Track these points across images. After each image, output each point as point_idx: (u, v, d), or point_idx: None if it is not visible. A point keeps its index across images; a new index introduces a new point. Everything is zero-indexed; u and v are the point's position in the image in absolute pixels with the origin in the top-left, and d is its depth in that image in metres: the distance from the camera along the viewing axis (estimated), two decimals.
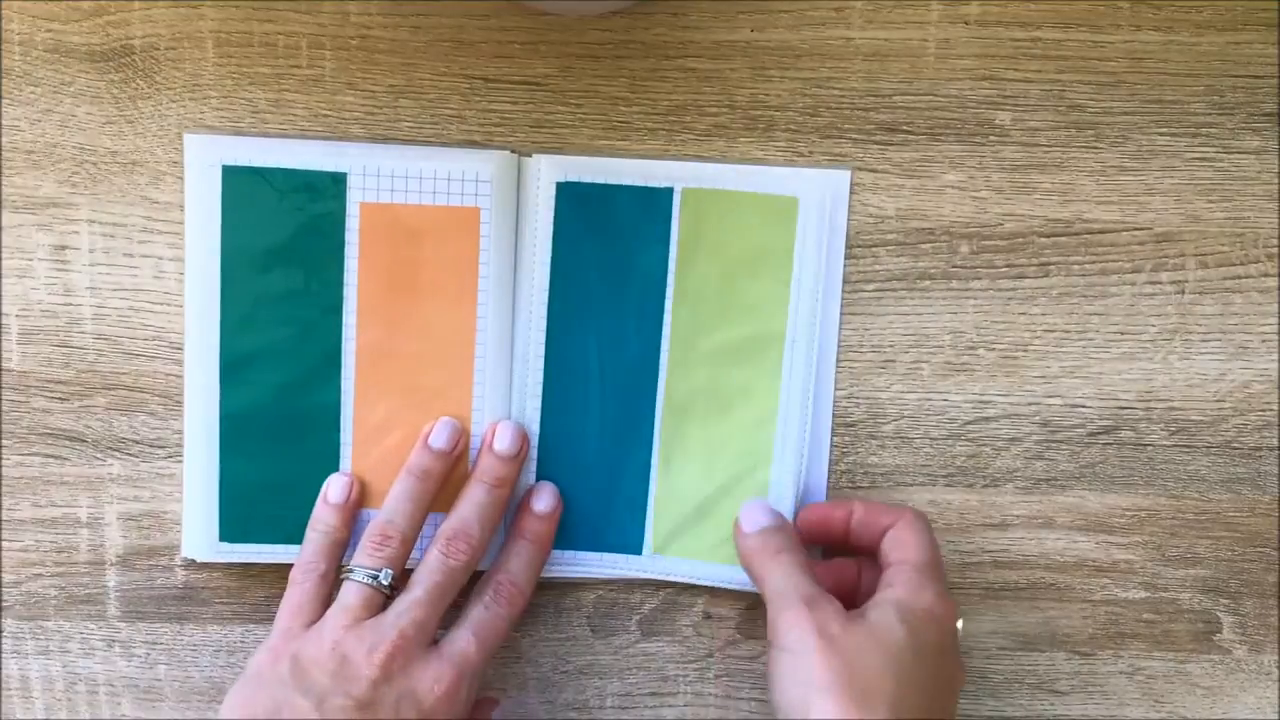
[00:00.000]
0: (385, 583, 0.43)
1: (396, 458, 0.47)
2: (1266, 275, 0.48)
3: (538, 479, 0.47)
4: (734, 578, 0.48)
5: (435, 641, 0.43)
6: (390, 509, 0.45)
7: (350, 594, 0.43)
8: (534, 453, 0.47)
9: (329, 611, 0.43)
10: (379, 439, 0.47)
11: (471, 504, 0.45)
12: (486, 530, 0.45)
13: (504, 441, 0.46)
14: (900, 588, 0.43)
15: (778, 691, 0.41)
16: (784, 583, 0.43)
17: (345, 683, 0.41)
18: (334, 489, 0.46)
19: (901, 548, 0.44)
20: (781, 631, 0.42)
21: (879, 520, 0.45)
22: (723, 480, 0.47)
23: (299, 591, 0.44)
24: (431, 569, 0.44)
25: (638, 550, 0.48)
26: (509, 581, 0.45)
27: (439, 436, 0.46)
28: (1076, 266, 0.48)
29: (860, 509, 0.46)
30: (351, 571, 0.44)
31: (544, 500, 0.47)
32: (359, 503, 0.47)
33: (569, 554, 0.48)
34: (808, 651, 0.40)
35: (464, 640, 0.43)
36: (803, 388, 0.47)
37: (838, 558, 0.47)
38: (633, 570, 0.48)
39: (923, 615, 0.42)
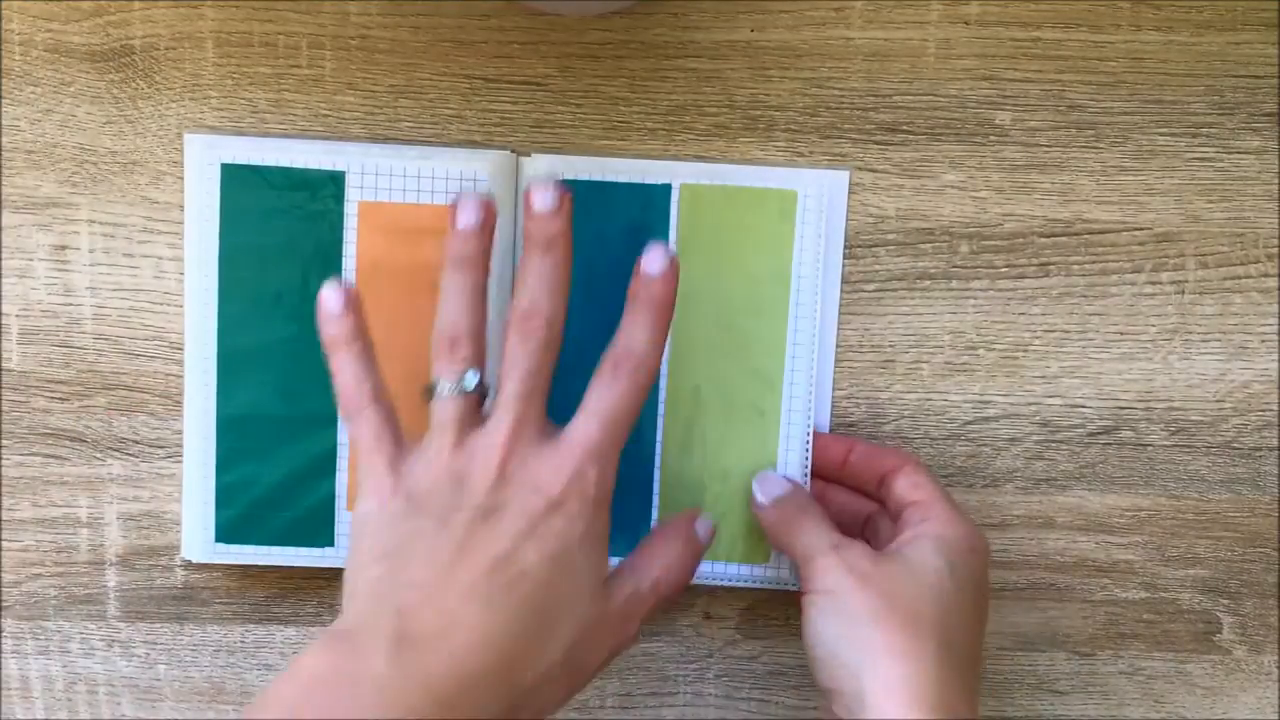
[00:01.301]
0: (472, 386, 0.40)
1: None
2: (1266, 275, 0.48)
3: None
4: (741, 575, 0.48)
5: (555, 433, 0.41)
6: (446, 312, 0.41)
7: (443, 412, 0.40)
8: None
9: (429, 436, 0.40)
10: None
11: (533, 275, 0.41)
12: (557, 298, 0.41)
13: (543, 200, 0.41)
14: (934, 523, 0.43)
15: (815, 632, 0.41)
16: (809, 538, 0.43)
17: (465, 495, 0.38)
18: (330, 304, 0.42)
19: (919, 487, 0.44)
20: (815, 578, 0.42)
21: (880, 461, 0.45)
22: (726, 479, 0.47)
23: (367, 423, 0.40)
24: (514, 360, 0.40)
25: None
26: (625, 353, 0.41)
27: (465, 215, 0.41)
28: (1076, 266, 0.48)
29: (860, 446, 0.46)
30: (435, 388, 0.40)
31: (657, 260, 0.41)
32: (358, 303, 0.42)
33: None
34: (845, 590, 0.40)
35: (583, 423, 0.40)
36: (804, 386, 0.47)
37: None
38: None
39: (962, 548, 0.42)
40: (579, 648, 0.39)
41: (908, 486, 0.44)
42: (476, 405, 0.41)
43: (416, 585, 0.37)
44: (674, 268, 0.41)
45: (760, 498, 0.46)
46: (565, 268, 0.41)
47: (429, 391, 0.41)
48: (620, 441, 0.40)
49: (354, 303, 0.42)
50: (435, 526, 0.38)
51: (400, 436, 0.41)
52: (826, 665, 0.40)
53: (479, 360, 0.41)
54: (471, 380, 0.40)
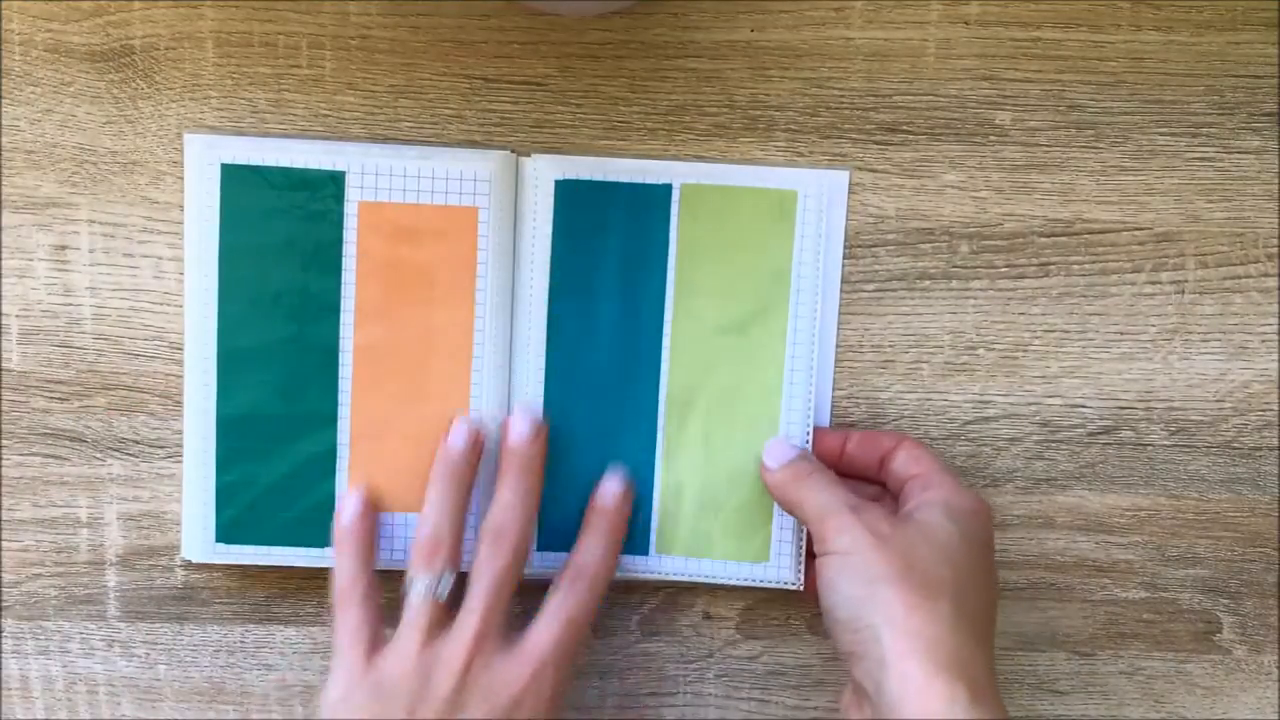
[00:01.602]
0: (445, 592, 0.44)
1: (394, 457, 0.47)
2: (1266, 275, 0.48)
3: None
4: (741, 575, 0.48)
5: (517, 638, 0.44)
6: (429, 518, 0.45)
7: (415, 613, 0.43)
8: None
9: (400, 632, 0.43)
10: (376, 439, 0.47)
11: (509, 494, 0.45)
12: (525, 520, 0.45)
13: (518, 432, 0.45)
14: (939, 489, 0.43)
15: (834, 592, 0.41)
16: (823, 497, 0.43)
17: (430, 692, 0.42)
18: (347, 512, 0.46)
19: (919, 461, 0.45)
20: (830, 538, 0.42)
21: (877, 443, 0.46)
22: (726, 478, 0.47)
23: (351, 617, 0.44)
24: (482, 571, 0.44)
25: (644, 551, 0.48)
26: (582, 567, 0.45)
27: (455, 439, 0.46)
28: (1076, 266, 0.48)
29: (855, 435, 0.47)
30: (412, 587, 0.44)
31: (612, 489, 0.47)
32: (373, 510, 0.47)
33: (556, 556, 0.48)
34: (862, 550, 0.41)
35: (542, 630, 0.43)
36: (804, 385, 0.47)
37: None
38: (639, 571, 0.48)
39: (969, 512, 0.43)
40: None
41: (907, 461, 0.45)
42: (446, 609, 0.44)
43: None
44: (627, 497, 0.47)
45: (769, 462, 0.46)
46: (536, 492, 0.46)
47: (407, 586, 0.44)
48: (576, 644, 0.44)
49: (365, 515, 0.46)
50: (403, 710, 0.42)
51: (379, 636, 0.44)
52: (847, 628, 0.41)
53: (455, 563, 0.44)
54: (446, 584, 0.44)
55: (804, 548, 0.47)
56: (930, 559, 0.41)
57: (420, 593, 0.43)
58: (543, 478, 0.46)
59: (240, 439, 0.46)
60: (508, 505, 0.45)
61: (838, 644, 0.41)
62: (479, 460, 0.46)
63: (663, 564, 0.48)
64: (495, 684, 0.42)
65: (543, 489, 0.46)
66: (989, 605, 0.42)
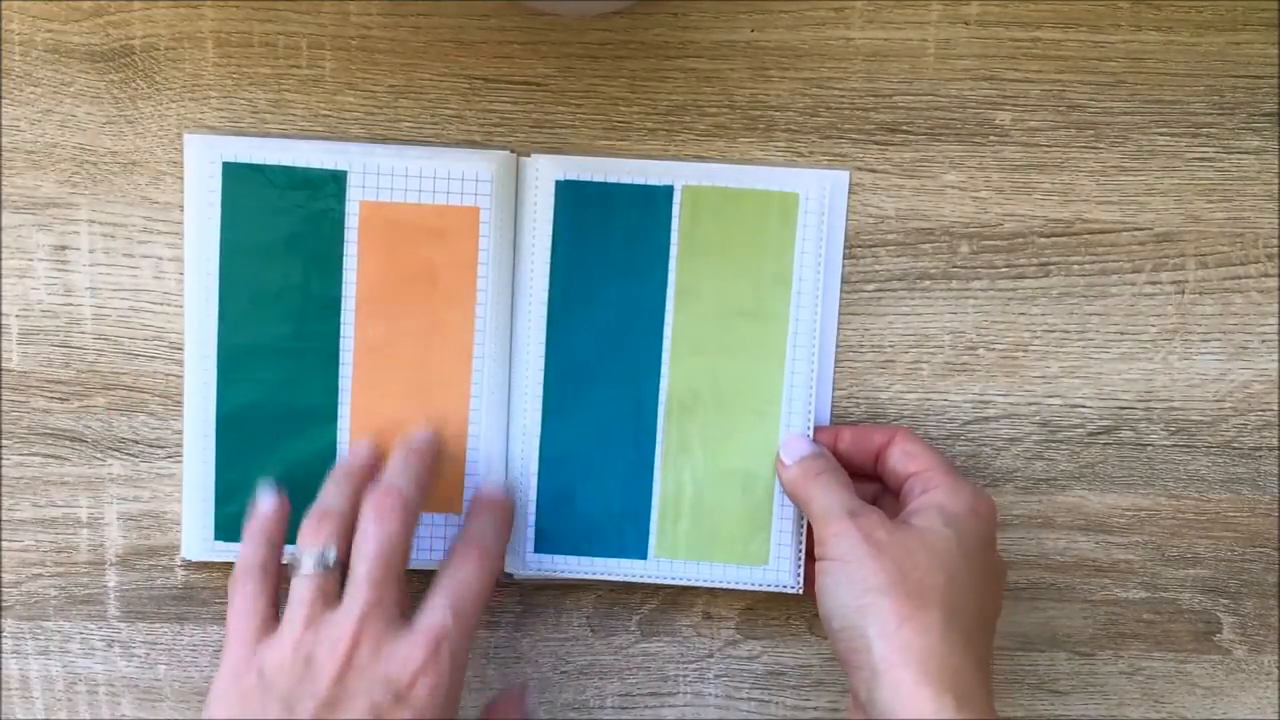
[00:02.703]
0: (330, 564, 0.41)
1: None
2: (1266, 275, 0.48)
3: (539, 480, 0.47)
4: (740, 578, 0.47)
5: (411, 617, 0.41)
6: (325, 494, 0.43)
7: (299, 588, 0.41)
8: (535, 455, 0.47)
9: (286, 613, 0.41)
10: (377, 438, 0.47)
11: (390, 471, 0.43)
12: (418, 484, 0.43)
13: (420, 435, 0.45)
14: (936, 491, 0.43)
15: (830, 600, 0.41)
16: (827, 500, 0.43)
17: (312, 682, 0.39)
18: (263, 503, 0.44)
19: (914, 458, 0.45)
20: (830, 543, 0.42)
21: (870, 439, 0.46)
22: (727, 477, 0.47)
23: (240, 600, 0.42)
24: (367, 540, 0.41)
25: (642, 554, 0.48)
26: (473, 542, 0.43)
27: (357, 449, 0.46)
28: (1076, 266, 0.48)
29: (848, 432, 0.47)
30: (297, 562, 0.41)
31: (492, 486, 0.46)
32: (286, 506, 0.45)
33: (572, 559, 0.48)
34: (859, 558, 0.41)
35: (435, 610, 0.41)
36: (805, 387, 0.47)
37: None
38: (637, 574, 0.48)
39: (966, 514, 0.42)
40: None
41: (903, 458, 0.45)
42: (335, 582, 0.41)
43: None
44: (511, 499, 0.46)
45: (785, 458, 0.46)
46: (429, 469, 0.44)
47: (292, 566, 0.42)
48: (472, 625, 0.41)
49: (279, 509, 0.44)
50: (280, 711, 0.38)
51: (272, 616, 0.41)
52: (843, 637, 0.41)
53: (344, 542, 0.42)
54: (330, 557, 0.41)
55: (804, 550, 0.47)
56: (925, 566, 0.41)
57: (304, 569, 0.41)
58: (435, 465, 0.45)
59: (240, 438, 0.46)
60: (397, 470, 0.43)
61: (835, 651, 0.42)
62: (374, 472, 0.45)
63: (660, 568, 0.48)
64: (383, 672, 0.39)
65: (433, 480, 0.45)
66: (986, 607, 0.42)
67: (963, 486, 0.43)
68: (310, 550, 0.41)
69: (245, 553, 0.43)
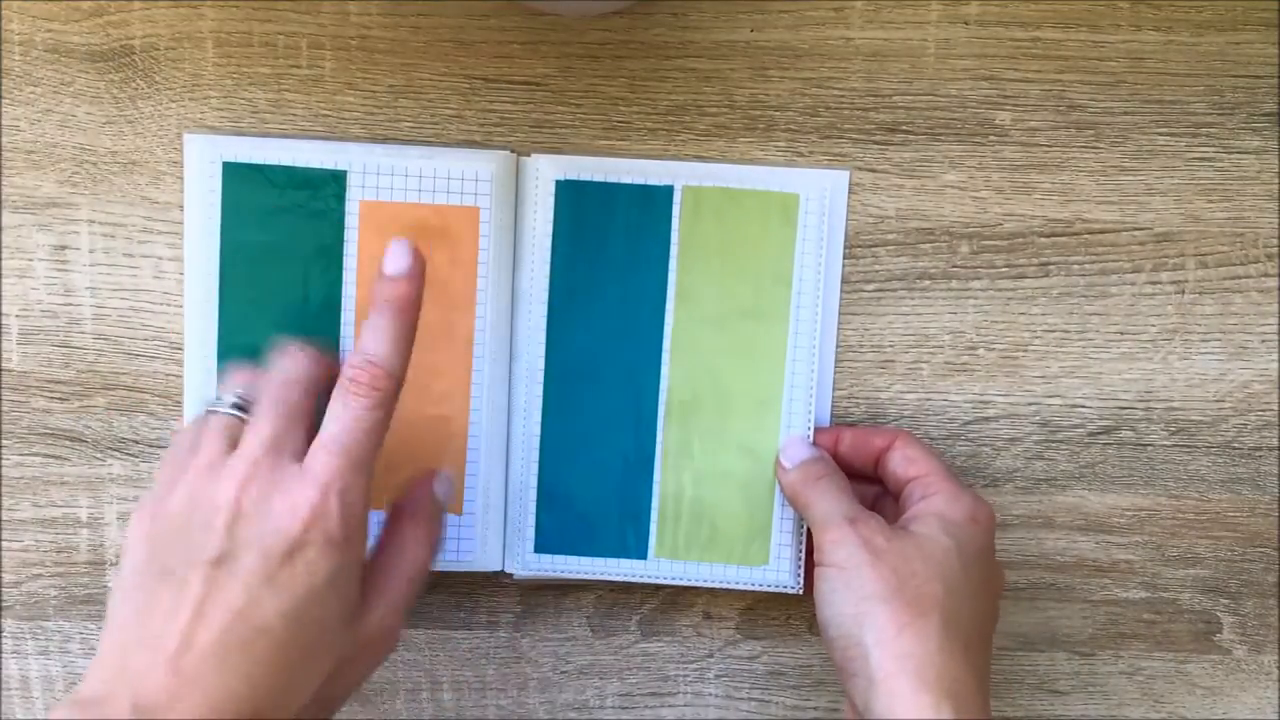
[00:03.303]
0: (236, 400, 0.38)
1: (392, 456, 0.47)
2: (1266, 275, 0.48)
3: (539, 481, 0.47)
4: (740, 578, 0.47)
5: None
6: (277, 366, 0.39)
7: (206, 430, 0.38)
8: (535, 455, 0.47)
9: (191, 460, 0.38)
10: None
11: (374, 330, 0.39)
12: (400, 357, 0.39)
13: (398, 261, 0.39)
14: (936, 498, 0.43)
15: (828, 607, 0.41)
16: (827, 505, 0.43)
17: (202, 536, 0.36)
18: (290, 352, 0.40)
19: (914, 463, 0.44)
20: (828, 550, 0.42)
21: (870, 442, 0.46)
22: (727, 478, 0.47)
23: (187, 433, 0.39)
24: (273, 377, 0.38)
25: (642, 554, 0.48)
26: (364, 362, 0.38)
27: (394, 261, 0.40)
28: (1076, 266, 0.48)
29: (849, 434, 0.46)
30: (211, 403, 0.39)
31: (399, 259, 0.39)
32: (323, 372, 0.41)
33: (572, 559, 0.48)
34: (857, 565, 0.41)
35: (320, 454, 0.37)
36: (805, 387, 0.47)
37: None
38: (637, 575, 0.48)
39: (964, 522, 0.42)
40: (332, 683, 0.38)
41: (903, 462, 0.45)
42: (238, 428, 0.38)
43: (155, 648, 0.35)
44: (418, 266, 0.39)
45: (785, 461, 0.46)
46: (412, 332, 0.39)
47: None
48: (366, 464, 0.37)
49: (315, 356, 0.40)
50: (174, 594, 0.35)
51: (222, 449, 0.38)
52: (840, 644, 0.41)
53: (252, 386, 0.39)
54: (234, 397, 0.39)
55: (804, 550, 0.47)
56: (924, 574, 0.40)
57: (217, 406, 0.38)
58: (414, 333, 0.39)
59: None
60: (376, 338, 0.39)
61: (832, 658, 0.42)
62: (318, 383, 0.40)
63: (660, 568, 0.48)
64: (272, 521, 0.36)
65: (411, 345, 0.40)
66: (983, 616, 0.42)
67: (962, 494, 0.43)
68: (222, 394, 0.39)
69: (281, 369, 0.40)
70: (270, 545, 0.36)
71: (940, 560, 0.41)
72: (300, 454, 0.37)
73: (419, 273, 0.39)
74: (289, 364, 0.39)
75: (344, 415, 0.37)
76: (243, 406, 0.39)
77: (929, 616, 0.40)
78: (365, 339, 0.39)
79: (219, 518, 0.36)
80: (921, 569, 0.40)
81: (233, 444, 0.38)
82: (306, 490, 0.36)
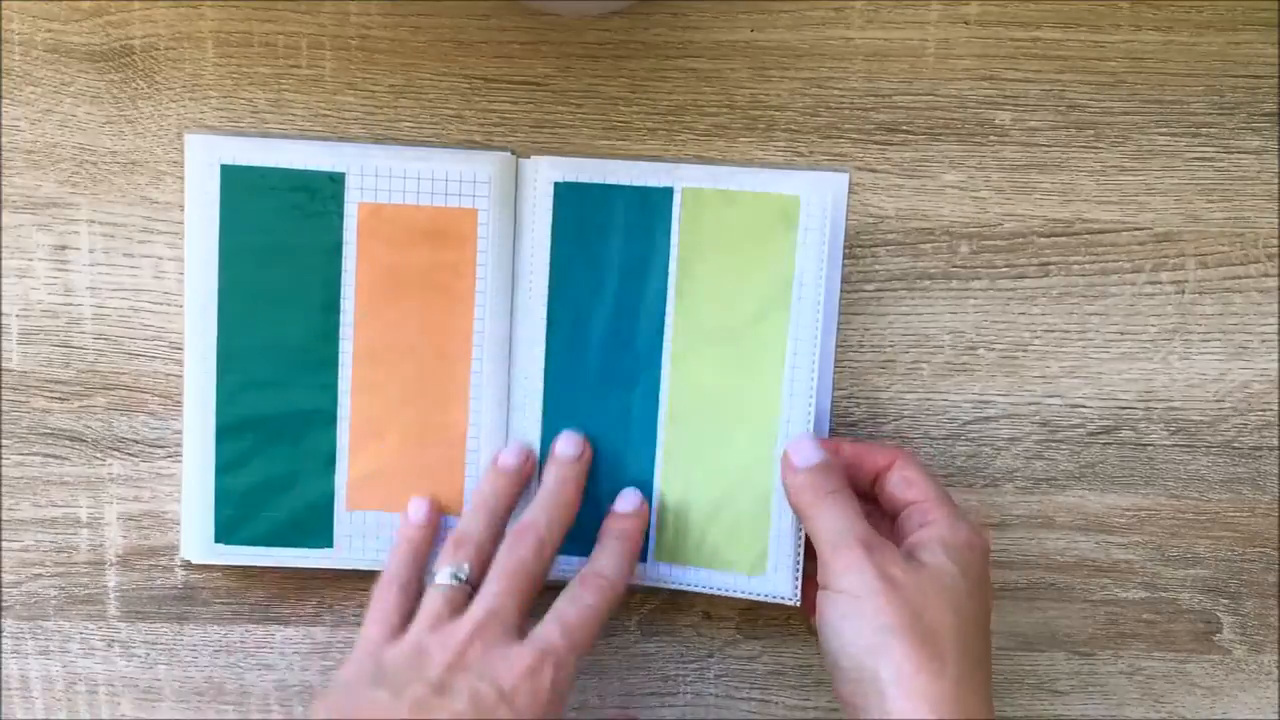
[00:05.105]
0: (463, 577, 0.43)
1: (392, 459, 0.47)
2: (1266, 275, 0.48)
3: (540, 482, 0.47)
4: (739, 586, 0.47)
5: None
6: (466, 520, 0.45)
7: (432, 599, 0.42)
8: (535, 456, 0.47)
9: (414, 620, 0.42)
10: (375, 439, 0.47)
11: (534, 505, 0.45)
12: (555, 526, 0.44)
13: (568, 448, 0.46)
14: (938, 525, 0.42)
15: (837, 636, 0.40)
16: (838, 523, 0.42)
17: (420, 671, 0.40)
18: (414, 509, 0.46)
19: (914, 486, 0.44)
20: (838, 574, 0.41)
21: (871, 459, 0.45)
22: (726, 482, 0.47)
23: (381, 603, 0.43)
24: (501, 561, 0.43)
25: (642, 557, 0.48)
26: (594, 573, 0.44)
27: (507, 458, 0.46)
28: (1076, 266, 0.48)
29: (848, 446, 0.46)
30: (432, 577, 0.43)
31: (628, 501, 0.47)
32: (437, 519, 0.47)
33: (574, 560, 0.47)
34: (871, 594, 0.40)
35: (548, 628, 0.42)
36: (805, 388, 0.47)
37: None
38: (636, 577, 0.48)
39: (966, 549, 0.42)
40: None
41: (901, 484, 0.44)
42: (465, 597, 0.42)
43: None
44: (643, 511, 0.47)
45: (796, 461, 0.44)
46: (571, 505, 0.45)
47: (427, 582, 0.44)
48: (582, 649, 0.42)
49: (427, 524, 0.46)
50: (390, 697, 0.39)
51: (402, 627, 0.42)
52: (850, 677, 0.40)
53: (479, 561, 0.43)
54: (463, 573, 0.43)
55: (801, 561, 0.47)
56: (937, 606, 0.40)
57: (440, 579, 0.43)
58: (580, 496, 0.46)
59: (240, 439, 0.46)
60: (540, 505, 0.45)
61: (836, 688, 0.41)
62: (524, 485, 0.47)
63: (660, 571, 0.48)
64: (490, 672, 0.40)
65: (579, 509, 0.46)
66: (986, 641, 0.42)
67: (960, 521, 0.43)
68: (444, 569, 0.43)
69: (391, 565, 0.45)
70: (483, 691, 0.39)
71: (950, 588, 0.40)
72: (521, 632, 0.42)
73: (640, 508, 0.47)
74: (520, 552, 0.43)
75: (575, 605, 0.42)
76: (465, 579, 0.43)
77: (945, 652, 0.39)
78: (601, 560, 0.45)
79: (440, 659, 0.40)
80: (935, 600, 0.40)
81: (454, 609, 0.42)
82: (525, 656, 0.40)
